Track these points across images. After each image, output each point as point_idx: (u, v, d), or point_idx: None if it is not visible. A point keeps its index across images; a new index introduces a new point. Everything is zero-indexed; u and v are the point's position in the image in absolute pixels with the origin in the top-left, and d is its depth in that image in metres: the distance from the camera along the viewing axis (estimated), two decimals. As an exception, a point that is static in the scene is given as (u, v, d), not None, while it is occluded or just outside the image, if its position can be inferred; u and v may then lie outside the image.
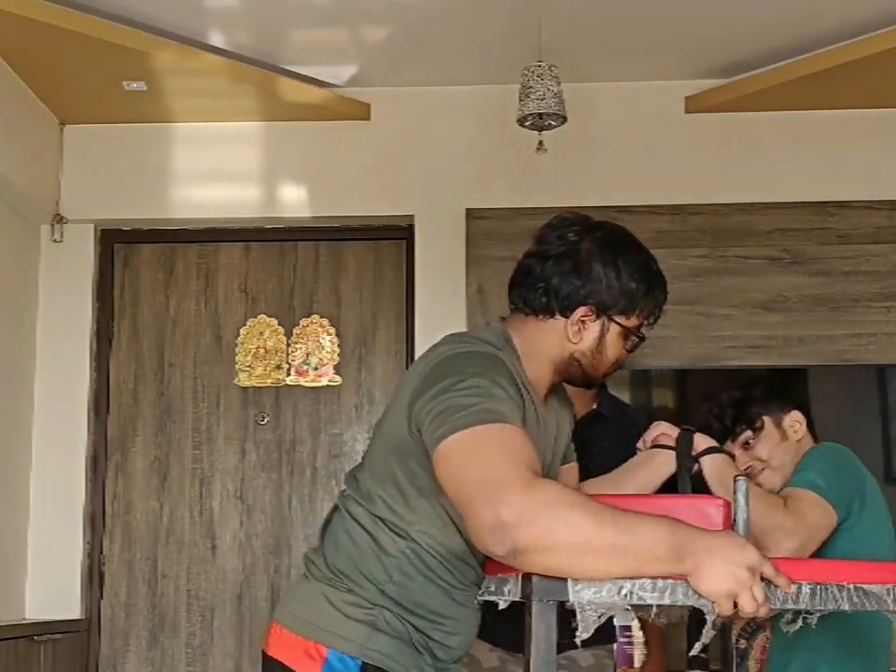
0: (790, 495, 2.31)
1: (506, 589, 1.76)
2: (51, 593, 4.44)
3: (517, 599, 1.72)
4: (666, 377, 4.46)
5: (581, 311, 1.95)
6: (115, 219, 4.68)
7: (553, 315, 1.96)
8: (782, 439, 2.58)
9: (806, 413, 2.66)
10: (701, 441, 2.26)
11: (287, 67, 4.42)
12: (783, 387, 2.74)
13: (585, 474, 2.27)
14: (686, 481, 2.19)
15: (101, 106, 4.48)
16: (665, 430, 2.28)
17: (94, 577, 4.54)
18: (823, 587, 1.65)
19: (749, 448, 2.57)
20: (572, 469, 2.20)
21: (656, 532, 1.57)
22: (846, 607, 1.65)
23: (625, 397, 4.50)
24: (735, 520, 1.67)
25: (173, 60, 4.12)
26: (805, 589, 1.65)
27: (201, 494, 4.59)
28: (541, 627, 1.62)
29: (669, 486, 2.24)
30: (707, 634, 1.64)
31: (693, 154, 4.54)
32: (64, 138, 4.65)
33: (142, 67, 4.13)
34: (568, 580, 1.60)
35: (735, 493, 1.69)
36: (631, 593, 1.59)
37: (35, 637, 3.85)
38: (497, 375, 1.81)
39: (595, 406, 3.06)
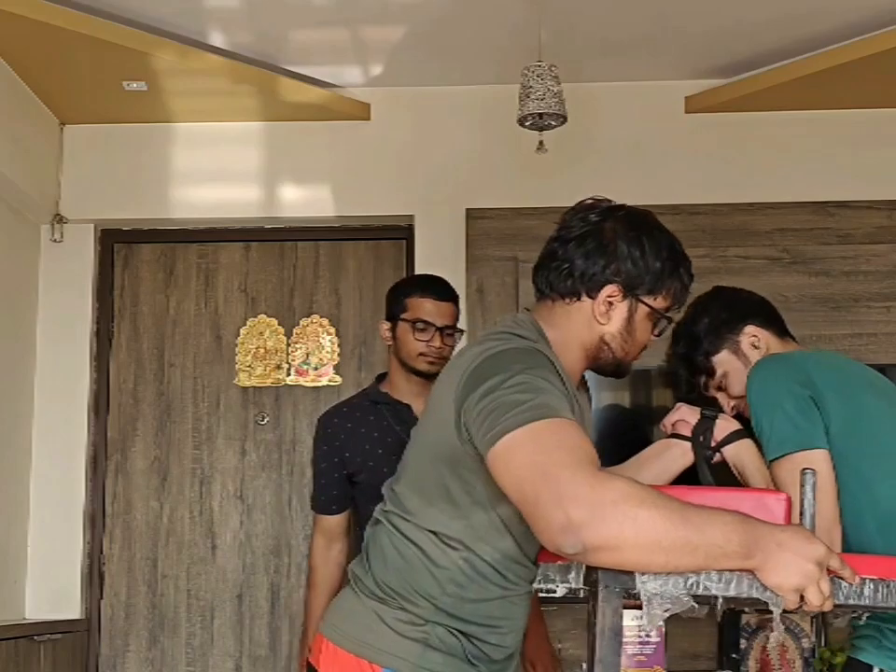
0: (796, 483, 2.12)
1: (569, 577, 1.74)
2: (51, 593, 4.45)
3: (581, 587, 1.71)
4: (666, 377, 4.46)
5: (607, 290, 1.93)
6: (115, 219, 4.68)
7: (579, 298, 1.94)
8: (747, 365, 2.30)
9: (764, 317, 2.38)
10: (723, 427, 2.16)
11: (288, 67, 4.43)
12: (726, 306, 2.43)
13: None
14: (706, 473, 2.12)
15: (101, 106, 4.48)
16: (684, 416, 2.22)
17: (94, 577, 4.54)
18: (886, 584, 1.64)
19: (725, 388, 2.36)
20: None
21: (726, 529, 1.57)
22: None
23: (625, 396, 4.51)
24: (802, 513, 1.65)
25: (173, 60, 4.12)
26: (869, 585, 1.64)
27: (201, 494, 4.60)
28: (608, 614, 1.61)
29: (688, 476, 2.16)
30: (778, 627, 1.63)
31: (693, 154, 4.54)
32: (64, 138, 4.65)
33: (142, 67, 4.13)
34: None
35: (802, 486, 1.65)
36: (697, 583, 1.59)
37: (35, 637, 3.85)
38: (541, 369, 1.79)
39: None
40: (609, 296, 1.93)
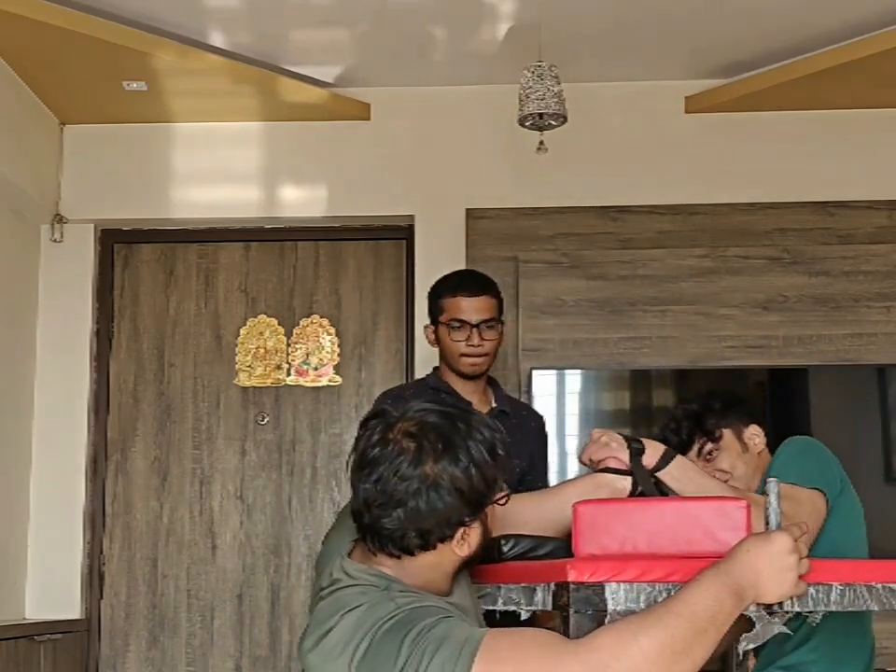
0: (792, 497, 2.29)
1: (535, 599, 1.72)
2: (51, 593, 4.44)
3: (547, 609, 1.69)
4: (666, 377, 4.46)
5: (461, 530, 1.76)
6: (115, 219, 4.68)
7: (434, 548, 1.76)
8: (743, 451, 2.61)
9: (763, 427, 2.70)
10: (652, 452, 2.10)
11: (288, 67, 4.43)
12: (740, 401, 2.75)
13: None
14: (655, 495, 2.05)
15: (101, 106, 4.48)
16: (615, 453, 2.09)
17: (94, 577, 4.54)
18: (852, 587, 1.66)
19: (711, 460, 2.59)
20: None
21: (710, 594, 1.57)
22: (874, 606, 1.66)
23: (625, 397, 4.51)
24: (767, 521, 1.67)
25: (173, 60, 4.12)
26: (836, 589, 1.66)
27: (201, 494, 4.59)
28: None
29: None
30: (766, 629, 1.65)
31: (693, 154, 4.54)
32: (64, 138, 4.65)
33: (142, 67, 4.13)
34: (605, 586, 1.60)
35: (767, 494, 1.67)
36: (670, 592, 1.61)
37: (35, 637, 3.85)
38: (418, 619, 1.64)
39: (493, 404, 3.16)
40: (465, 531, 1.77)
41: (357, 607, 1.70)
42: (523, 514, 1.98)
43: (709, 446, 2.60)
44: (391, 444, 1.74)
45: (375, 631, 1.65)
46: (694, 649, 1.54)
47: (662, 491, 2.06)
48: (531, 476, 3.13)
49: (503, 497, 1.82)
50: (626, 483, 2.07)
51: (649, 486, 2.05)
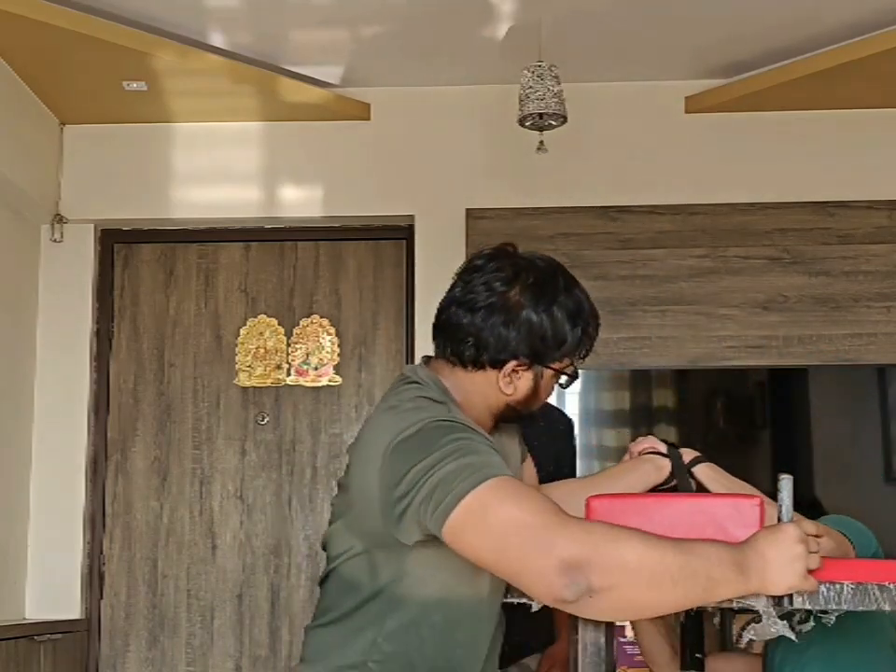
0: (817, 525, 2.33)
1: None
2: (51, 593, 4.45)
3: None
4: (666, 377, 4.46)
5: (512, 364, 1.85)
6: (115, 219, 4.68)
7: (483, 368, 1.86)
8: None
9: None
10: (687, 453, 2.20)
11: (288, 67, 4.43)
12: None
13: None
14: (688, 483, 2.15)
15: (101, 106, 4.48)
16: (653, 443, 2.20)
17: (94, 577, 4.54)
18: (864, 587, 1.66)
19: None
20: (528, 465, 2.16)
21: (716, 553, 1.57)
22: (886, 607, 1.66)
23: (625, 397, 4.51)
24: (779, 518, 1.67)
25: (173, 60, 4.12)
26: (848, 589, 1.65)
27: (201, 494, 4.59)
28: (589, 628, 1.62)
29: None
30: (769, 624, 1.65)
31: (693, 154, 4.54)
32: (64, 138, 4.65)
33: (142, 67, 4.13)
34: None
35: (779, 491, 1.68)
36: None
37: (35, 637, 3.85)
38: (465, 432, 1.73)
39: None
40: (516, 368, 1.86)
41: (417, 402, 1.81)
42: (580, 498, 1.99)
43: None
44: (496, 262, 1.89)
45: (426, 423, 1.73)
46: (675, 587, 1.54)
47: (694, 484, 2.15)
48: (559, 477, 3.12)
49: (565, 370, 1.91)
50: (667, 463, 2.16)
51: (682, 472, 2.12)
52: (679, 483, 2.15)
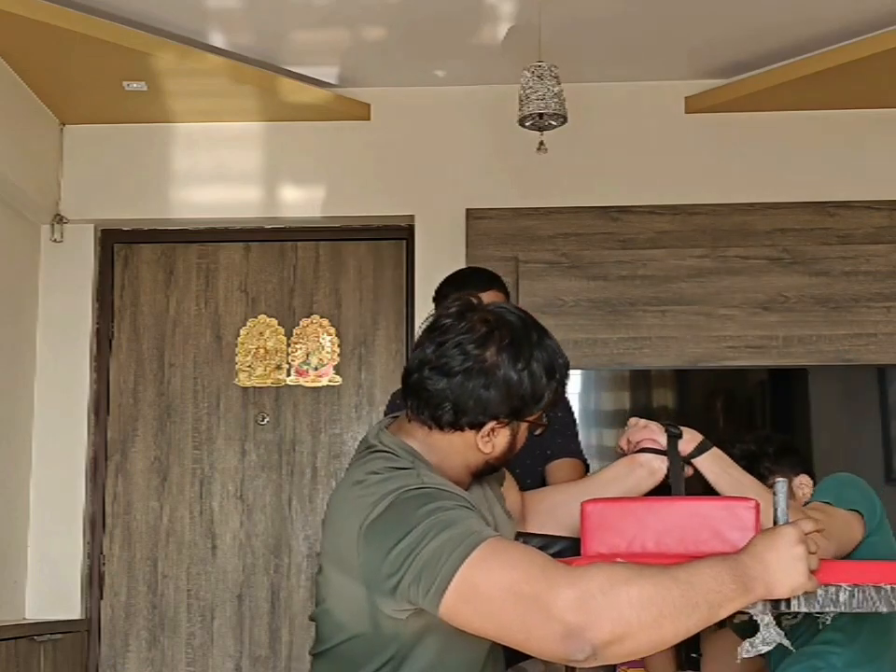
0: (824, 510, 2.31)
1: None
2: (51, 593, 4.44)
3: None
4: (666, 377, 4.46)
5: (491, 424, 1.83)
6: (115, 219, 4.68)
7: (462, 430, 1.84)
8: (790, 497, 2.61)
9: (812, 477, 2.75)
10: (689, 440, 2.14)
11: (288, 67, 4.43)
12: (795, 450, 2.82)
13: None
14: (680, 487, 2.09)
15: (101, 106, 4.48)
16: (652, 434, 2.15)
17: (94, 577, 4.54)
18: (861, 589, 1.66)
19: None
20: (509, 487, 2.12)
21: (713, 573, 1.56)
22: (883, 608, 1.66)
23: (625, 397, 4.51)
24: (775, 521, 1.67)
25: (173, 60, 4.12)
26: (844, 591, 1.66)
27: (201, 494, 4.59)
28: None
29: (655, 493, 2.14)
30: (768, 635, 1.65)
31: (693, 154, 4.54)
32: (64, 138, 4.65)
33: (142, 67, 4.13)
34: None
35: (774, 495, 1.68)
36: None
37: (35, 637, 3.85)
38: (440, 500, 1.70)
39: None
40: (493, 428, 1.85)
41: (384, 473, 1.78)
42: (571, 506, 1.99)
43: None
44: (465, 321, 1.84)
45: (397, 496, 1.71)
46: (681, 618, 1.54)
47: (698, 478, 2.10)
48: (552, 451, 3.06)
49: (539, 427, 1.89)
50: (663, 463, 2.12)
51: (677, 472, 2.08)
52: (674, 486, 2.10)
